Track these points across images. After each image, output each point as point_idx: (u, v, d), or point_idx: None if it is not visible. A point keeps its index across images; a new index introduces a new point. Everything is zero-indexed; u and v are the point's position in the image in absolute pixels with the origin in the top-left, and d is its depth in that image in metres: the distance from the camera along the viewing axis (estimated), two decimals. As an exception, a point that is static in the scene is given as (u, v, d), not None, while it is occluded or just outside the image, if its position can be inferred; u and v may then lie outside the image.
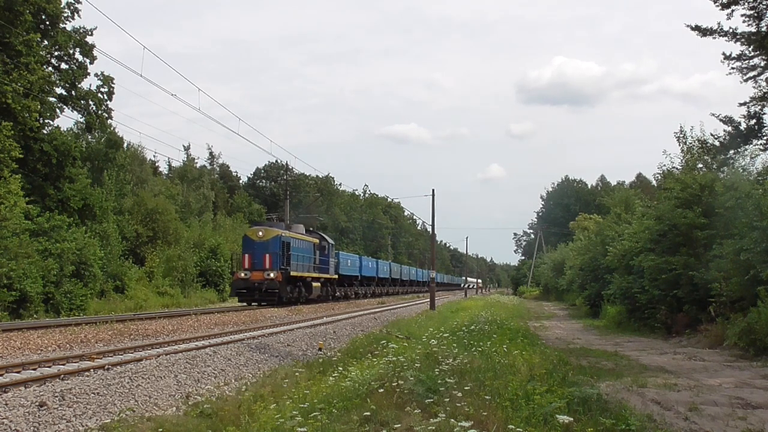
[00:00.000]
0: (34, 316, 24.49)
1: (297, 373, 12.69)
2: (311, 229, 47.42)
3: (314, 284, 40.05)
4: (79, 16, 34.40)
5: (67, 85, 35.00)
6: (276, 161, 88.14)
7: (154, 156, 71.32)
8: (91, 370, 12.16)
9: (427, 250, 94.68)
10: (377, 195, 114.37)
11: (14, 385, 10.53)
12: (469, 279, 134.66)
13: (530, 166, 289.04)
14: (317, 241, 42.80)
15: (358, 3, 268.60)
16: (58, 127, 35.34)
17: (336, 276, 46.25)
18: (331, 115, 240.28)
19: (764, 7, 19.99)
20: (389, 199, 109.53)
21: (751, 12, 20.17)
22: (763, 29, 20.26)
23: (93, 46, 35.09)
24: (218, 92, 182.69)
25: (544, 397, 7.45)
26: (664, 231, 21.02)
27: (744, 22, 20.54)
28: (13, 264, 23.66)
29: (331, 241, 46.23)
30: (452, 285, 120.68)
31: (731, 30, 20.85)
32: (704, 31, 21.30)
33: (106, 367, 12.42)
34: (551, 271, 62.54)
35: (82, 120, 37.40)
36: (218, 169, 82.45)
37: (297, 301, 37.47)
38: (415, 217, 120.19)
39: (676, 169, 23.85)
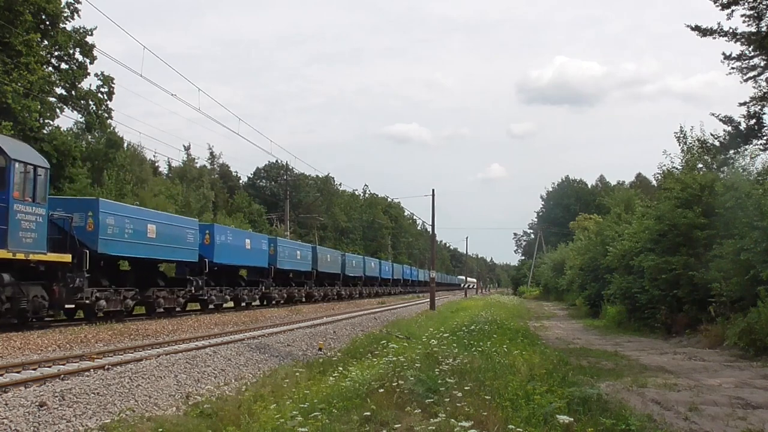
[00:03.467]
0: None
1: (297, 373, 12.68)
2: None
3: None
4: (78, 16, 34.43)
5: (67, 85, 35.03)
6: (276, 161, 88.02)
7: (154, 156, 71.48)
8: (91, 370, 12.15)
9: (427, 250, 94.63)
10: (377, 195, 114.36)
11: (14, 385, 10.52)
12: (460, 277, 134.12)
13: (531, 166, 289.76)
14: None
15: (359, 3, 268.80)
16: (58, 127, 35.42)
17: (68, 257, 18.81)
18: (332, 115, 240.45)
19: (764, 7, 20.02)
20: (389, 199, 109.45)
21: (751, 12, 20.21)
22: (762, 29, 20.29)
23: (93, 46, 35.13)
24: (218, 92, 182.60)
25: (544, 397, 7.45)
26: (664, 231, 21.01)
27: (744, 22, 20.60)
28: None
29: (31, 158, 18.05)
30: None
31: (731, 30, 20.89)
32: (704, 32, 21.33)
33: (106, 367, 12.41)
34: (551, 271, 62.53)
35: (82, 120, 37.44)
36: (218, 169, 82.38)
37: None
38: (415, 217, 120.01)
39: (676, 169, 23.84)
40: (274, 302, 36.55)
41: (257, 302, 35.30)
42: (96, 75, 36.52)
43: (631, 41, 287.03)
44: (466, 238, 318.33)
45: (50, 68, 34.52)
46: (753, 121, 21.57)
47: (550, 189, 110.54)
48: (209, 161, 79.96)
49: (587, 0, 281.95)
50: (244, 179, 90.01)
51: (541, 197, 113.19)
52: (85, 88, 35.89)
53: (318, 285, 44.50)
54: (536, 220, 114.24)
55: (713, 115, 21.76)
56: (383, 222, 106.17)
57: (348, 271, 51.50)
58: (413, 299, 59.82)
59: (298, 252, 40.92)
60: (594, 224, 46.88)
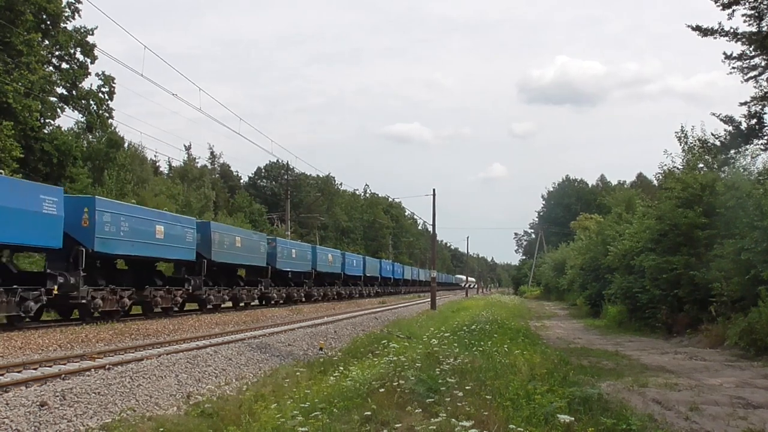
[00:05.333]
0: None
1: (298, 373, 12.68)
2: None
3: None
4: (79, 15, 34.53)
5: (67, 84, 35.09)
6: (277, 161, 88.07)
7: (154, 156, 71.56)
8: (92, 369, 12.16)
9: (428, 249, 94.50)
10: (378, 195, 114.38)
11: (15, 385, 10.53)
12: (460, 277, 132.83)
13: (532, 166, 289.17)
14: None
15: (359, 3, 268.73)
16: (59, 127, 35.56)
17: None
18: (332, 114, 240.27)
19: (764, 7, 19.98)
20: (390, 199, 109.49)
21: (752, 12, 20.18)
22: (763, 29, 20.26)
23: (94, 45, 35.21)
24: (219, 92, 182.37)
25: (545, 397, 7.45)
26: (665, 231, 21.01)
27: (745, 22, 20.56)
28: (14, 264, 23.38)
29: None
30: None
31: (732, 30, 20.85)
32: (705, 31, 21.30)
33: (107, 366, 12.42)
34: (552, 270, 62.50)
35: (82, 120, 37.49)
36: (219, 168, 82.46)
37: None
38: (416, 217, 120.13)
39: (677, 168, 23.83)
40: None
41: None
42: (97, 75, 36.70)
43: (633, 41, 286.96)
44: (467, 237, 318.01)
45: (51, 68, 34.58)
46: (754, 121, 21.53)
47: (551, 189, 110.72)
48: (210, 161, 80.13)
49: (587, 0, 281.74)
50: (244, 179, 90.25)
51: (542, 197, 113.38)
52: (86, 88, 35.99)
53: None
54: (537, 219, 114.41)
55: (714, 114, 21.72)
56: (384, 222, 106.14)
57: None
58: (414, 299, 59.79)
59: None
60: (595, 224, 46.87)
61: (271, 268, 35.09)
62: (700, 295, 18.61)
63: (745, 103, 21.74)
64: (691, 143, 23.70)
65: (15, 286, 17.75)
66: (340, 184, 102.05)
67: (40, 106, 31.24)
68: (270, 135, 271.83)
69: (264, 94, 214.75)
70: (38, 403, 9.03)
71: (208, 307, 28.55)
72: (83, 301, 20.21)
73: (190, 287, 26.55)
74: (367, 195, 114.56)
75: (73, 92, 35.44)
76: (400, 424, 6.05)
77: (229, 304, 31.76)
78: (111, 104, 37.39)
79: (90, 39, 34.99)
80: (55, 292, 19.01)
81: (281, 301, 37.37)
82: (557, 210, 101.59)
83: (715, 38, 21.13)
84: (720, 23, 21.01)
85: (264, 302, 35.89)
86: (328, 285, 47.29)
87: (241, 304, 32.45)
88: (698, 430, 7.57)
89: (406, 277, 78.33)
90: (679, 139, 24.19)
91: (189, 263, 26.53)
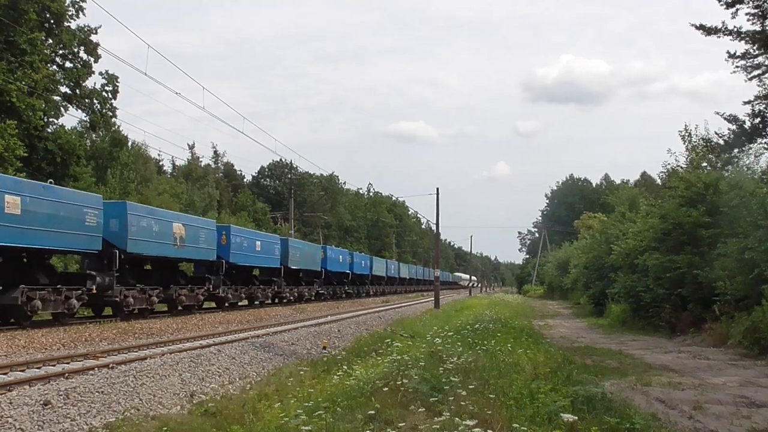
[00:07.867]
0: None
1: (301, 372, 12.68)
2: None
3: None
4: (83, 14, 34.51)
5: (71, 83, 35.10)
6: (281, 160, 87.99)
7: (158, 155, 71.22)
8: (96, 368, 12.19)
9: (432, 248, 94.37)
10: (381, 194, 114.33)
11: (19, 384, 10.56)
12: (459, 275, 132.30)
13: (536, 165, 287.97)
14: None
15: (364, 1, 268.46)
16: (62, 126, 35.52)
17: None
18: (336, 113, 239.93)
19: (769, 6, 19.91)
20: (394, 198, 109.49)
21: (756, 11, 20.11)
22: (767, 28, 20.19)
23: (97, 44, 35.19)
24: (223, 91, 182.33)
25: (548, 396, 7.45)
26: (669, 230, 21.00)
27: (748, 20, 20.49)
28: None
29: None
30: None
31: (736, 29, 20.77)
32: (709, 30, 21.21)
33: (111, 365, 12.45)
34: (556, 269, 62.51)
35: (86, 118, 37.51)
36: (223, 167, 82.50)
37: None
38: (419, 216, 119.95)
39: (681, 167, 23.81)
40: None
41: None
42: (100, 74, 36.62)
43: (638, 39, 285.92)
44: (471, 236, 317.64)
45: (55, 67, 34.60)
46: (757, 120, 21.45)
47: (555, 187, 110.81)
48: (213, 160, 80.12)
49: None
50: (248, 178, 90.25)
51: (546, 196, 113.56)
52: (90, 87, 35.99)
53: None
54: (541, 218, 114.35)
55: (718, 113, 21.65)
56: (387, 221, 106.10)
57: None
58: (418, 297, 59.78)
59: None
60: (598, 223, 46.84)
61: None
62: (704, 294, 18.59)
63: (748, 102, 21.66)
64: (695, 142, 23.69)
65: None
66: (344, 182, 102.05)
67: (43, 105, 31.30)
68: (273, 134, 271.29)
69: (268, 93, 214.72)
70: (42, 402, 9.05)
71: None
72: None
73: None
74: (371, 194, 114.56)
75: (77, 91, 35.44)
76: (403, 423, 6.06)
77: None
78: (114, 103, 37.38)
79: (93, 38, 35.00)
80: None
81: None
82: (561, 209, 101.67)
83: (719, 37, 21.06)
84: (723, 22, 20.92)
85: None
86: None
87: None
88: (702, 429, 7.56)
89: (376, 273, 59.86)
90: (683, 138, 24.19)
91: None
